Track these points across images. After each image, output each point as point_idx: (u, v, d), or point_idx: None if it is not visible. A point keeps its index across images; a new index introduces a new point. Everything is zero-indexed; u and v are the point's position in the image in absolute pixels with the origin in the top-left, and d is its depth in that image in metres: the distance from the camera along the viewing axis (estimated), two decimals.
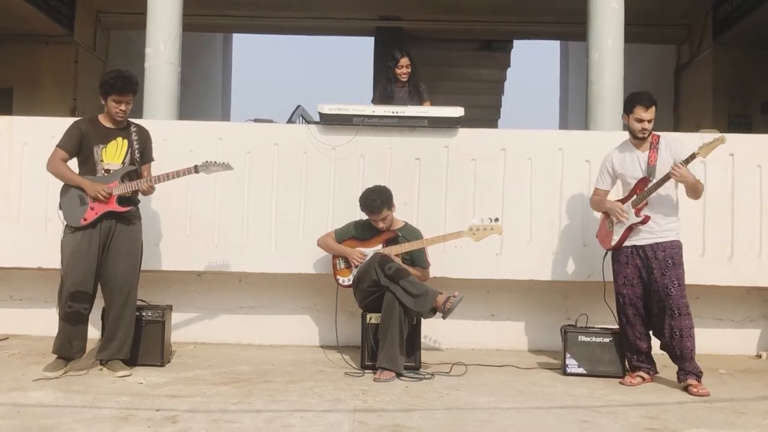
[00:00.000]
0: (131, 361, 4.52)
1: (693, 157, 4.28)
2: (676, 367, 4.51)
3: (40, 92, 10.08)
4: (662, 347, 4.50)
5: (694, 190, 4.44)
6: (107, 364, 4.45)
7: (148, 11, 5.88)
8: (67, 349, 4.39)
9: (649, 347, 4.55)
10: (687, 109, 10.88)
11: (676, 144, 4.48)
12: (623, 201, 4.57)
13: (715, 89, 10.03)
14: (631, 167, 4.52)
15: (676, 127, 10.36)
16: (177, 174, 4.48)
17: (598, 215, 4.95)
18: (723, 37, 9.87)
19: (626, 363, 4.64)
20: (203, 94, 14.41)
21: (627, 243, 4.51)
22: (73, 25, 10.28)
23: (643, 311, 4.50)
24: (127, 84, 4.39)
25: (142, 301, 4.78)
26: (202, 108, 13.74)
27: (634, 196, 4.48)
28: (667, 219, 4.45)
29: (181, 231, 5.30)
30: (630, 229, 4.48)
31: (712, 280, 5.21)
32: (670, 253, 4.39)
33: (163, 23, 5.84)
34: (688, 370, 4.35)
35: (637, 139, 4.49)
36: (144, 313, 4.67)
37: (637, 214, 4.45)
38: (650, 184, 4.40)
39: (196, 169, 4.49)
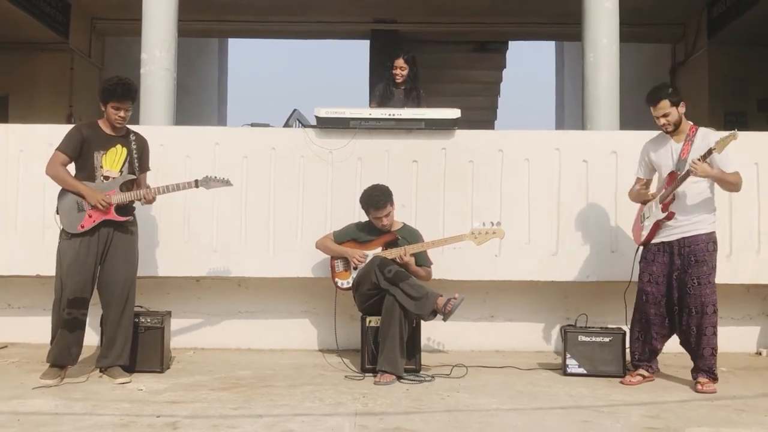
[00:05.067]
0: (130, 368, 4.51)
1: (710, 152, 4.17)
2: (677, 367, 4.54)
3: (36, 100, 10.07)
4: (681, 343, 4.47)
5: (725, 183, 4.31)
6: (107, 370, 4.44)
7: (143, 17, 5.88)
8: (66, 356, 4.37)
9: (661, 349, 4.51)
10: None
11: (711, 137, 4.32)
12: (656, 195, 4.51)
13: (711, 88, 10.04)
14: (664, 157, 4.44)
15: None
16: (177, 187, 4.51)
17: (602, 213, 4.94)
18: (718, 36, 9.89)
19: (629, 359, 4.62)
20: (199, 99, 14.40)
21: (656, 240, 4.43)
22: (68, 32, 10.26)
23: (665, 311, 4.43)
24: (126, 91, 4.39)
25: (141, 307, 4.77)
26: (198, 113, 13.72)
27: (663, 191, 4.41)
28: (696, 214, 4.33)
29: (179, 237, 5.29)
30: (657, 225, 4.41)
31: None
32: (694, 249, 4.30)
33: (159, 29, 5.84)
34: (699, 367, 4.34)
35: (668, 132, 4.46)
36: (143, 320, 4.65)
37: (663, 210, 4.37)
38: (677, 179, 4.32)
39: (196, 184, 4.54)
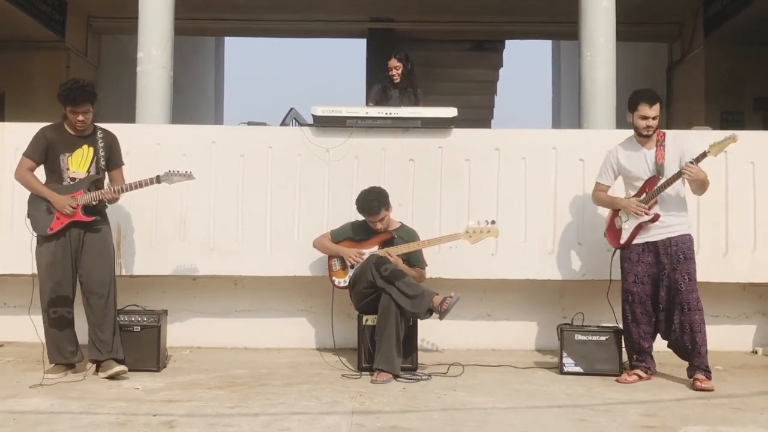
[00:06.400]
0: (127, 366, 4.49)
1: (704, 155, 4.26)
2: (672, 365, 4.53)
3: (32, 98, 10.01)
4: (670, 345, 4.50)
5: (704, 186, 4.42)
6: (101, 365, 4.44)
7: (139, 15, 5.86)
8: (64, 354, 4.42)
9: (651, 347, 4.53)
10: (679, 107, 10.90)
11: (683, 140, 4.45)
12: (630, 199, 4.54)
13: (708, 86, 10.05)
14: (638, 165, 4.48)
15: (669, 125, 10.36)
16: (139, 184, 4.45)
17: (599, 212, 4.96)
18: (714, 35, 9.90)
19: (627, 360, 4.63)
20: (196, 98, 14.38)
21: (638, 240, 4.47)
22: (65, 30, 10.24)
23: (650, 309, 4.48)
24: (80, 95, 4.34)
25: (137, 306, 4.77)
26: (194, 112, 13.71)
27: (644, 195, 4.45)
28: (678, 214, 4.44)
29: (175, 235, 5.28)
30: (639, 227, 4.45)
31: (707, 277, 5.19)
32: (682, 247, 4.38)
33: (155, 27, 5.82)
34: (696, 365, 4.36)
35: (642, 137, 4.46)
36: (139, 319, 4.65)
37: (646, 213, 4.42)
38: (660, 182, 4.37)
39: (158, 180, 4.45)
